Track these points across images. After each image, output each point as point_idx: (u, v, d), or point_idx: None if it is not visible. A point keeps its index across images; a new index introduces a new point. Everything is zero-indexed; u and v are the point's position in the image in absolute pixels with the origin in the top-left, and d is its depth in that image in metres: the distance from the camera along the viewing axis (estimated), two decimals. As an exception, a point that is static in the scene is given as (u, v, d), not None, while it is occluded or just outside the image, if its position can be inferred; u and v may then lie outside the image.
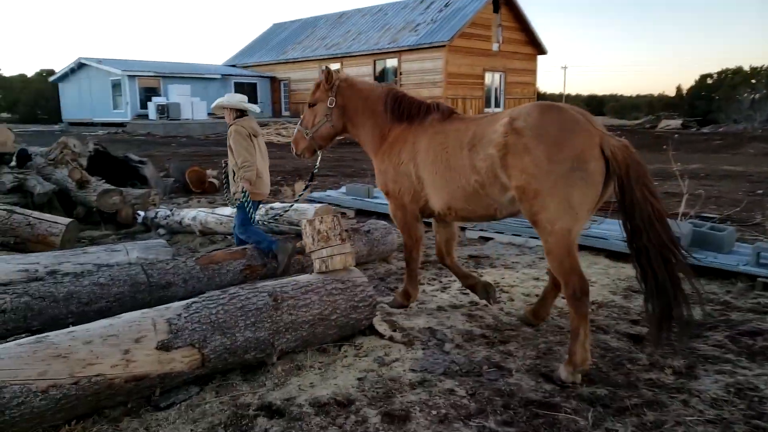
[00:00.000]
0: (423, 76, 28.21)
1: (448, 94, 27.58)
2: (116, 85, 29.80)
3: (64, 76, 33.01)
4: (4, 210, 5.33)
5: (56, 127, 33.79)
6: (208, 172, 10.30)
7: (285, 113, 34.48)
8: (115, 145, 21.06)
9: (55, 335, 2.68)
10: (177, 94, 29.13)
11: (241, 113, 4.86)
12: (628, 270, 5.35)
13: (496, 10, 29.26)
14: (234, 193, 4.73)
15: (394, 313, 4.21)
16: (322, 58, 32.43)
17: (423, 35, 28.46)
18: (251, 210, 4.65)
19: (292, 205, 5.05)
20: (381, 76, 30.24)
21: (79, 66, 31.65)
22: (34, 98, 44.34)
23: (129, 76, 29.02)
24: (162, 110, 27.93)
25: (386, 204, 5.19)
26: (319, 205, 4.97)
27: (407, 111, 3.89)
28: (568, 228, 3.07)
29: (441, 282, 5.03)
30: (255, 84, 34.47)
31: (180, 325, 2.95)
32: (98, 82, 30.48)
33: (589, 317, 3.27)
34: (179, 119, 27.97)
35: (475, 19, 28.02)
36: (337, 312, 3.52)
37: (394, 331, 3.86)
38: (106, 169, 8.73)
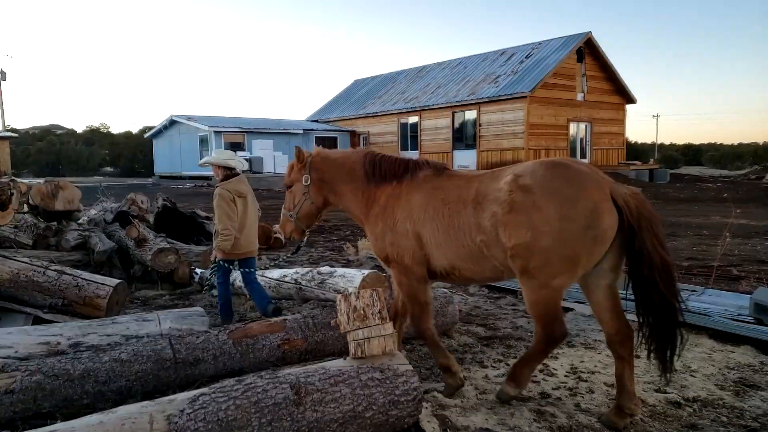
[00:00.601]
0: (503, 128, 27.71)
1: (531, 145, 26.84)
2: (203, 140, 31.60)
3: (158, 133, 35.57)
4: (54, 271, 5.31)
5: (150, 180, 36.24)
6: (275, 227, 10.23)
7: (364, 166, 34.93)
8: (197, 199, 22.06)
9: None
10: (260, 148, 30.42)
11: (231, 172, 5.01)
12: (739, 355, 4.43)
13: (580, 59, 28.53)
14: (212, 253, 5.04)
15: (448, 405, 3.59)
16: (401, 111, 32.88)
17: (503, 86, 28.14)
18: (216, 273, 5.02)
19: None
20: (460, 129, 30.07)
21: (171, 123, 34.03)
22: (133, 153, 48.21)
23: (215, 131, 30.72)
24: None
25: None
26: (367, 271, 4.53)
27: (391, 170, 3.73)
28: (564, 284, 3.09)
29: (508, 365, 4.35)
30: (335, 138, 35.42)
31: (181, 424, 2.53)
32: (187, 138, 32.50)
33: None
34: (261, 173, 29.02)
35: (558, 69, 27.41)
36: (374, 408, 2.97)
37: (446, 431, 3.25)
38: (174, 225, 8.84)
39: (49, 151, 66.84)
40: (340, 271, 4.60)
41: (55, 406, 3.27)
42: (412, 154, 32.23)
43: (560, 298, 3.15)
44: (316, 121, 38.40)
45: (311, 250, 9.70)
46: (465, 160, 29.56)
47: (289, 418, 2.73)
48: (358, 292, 3.12)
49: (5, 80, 46.83)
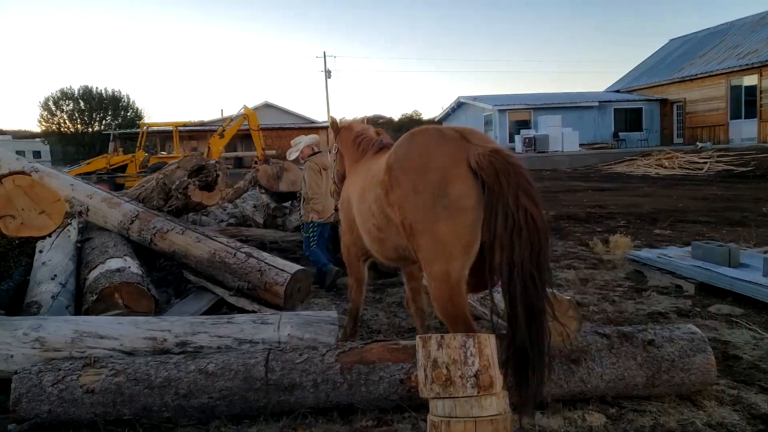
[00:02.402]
0: None
1: None
2: (488, 121, 31.42)
3: (446, 116, 36.83)
4: (243, 253, 5.32)
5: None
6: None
7: (677, 140, 30.07)
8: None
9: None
10: (547, 125, 28.75)
11: (316, 149, 6.08)
12: None
13: None
14: (302, 217, 6.03)
15: None
16: (731, 71, 27.02)
17: None
18: (314, 234, 5.86)
19: None
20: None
21: (459, 105, 34.81)
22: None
23: (500, 110, 30.17)
24: (528, 143, 27.97)
25: (752, 282, 4.80)
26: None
27: (363, 148, 3.86)
28: (444, 270, 2.66)
29: None
30: (640, 109, 31.27)
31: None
32: (473, 119, 32.75)
33: None
34: (546, 152, 27.42)
35: None
36: None
37: None
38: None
39: (365, 138, 76.63)
40: None
41: (134, 414, 2.96)
42: (747, 124, 26.19)
43: (453, 293, 2.65)
44: (617, 91, 34.47)
45: (557, 242, 8.18)
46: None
47: None
48: (442, 338, 1.92)
49: (330, 78, 55.13)
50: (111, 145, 22.43)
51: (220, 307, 5.17)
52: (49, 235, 3.64)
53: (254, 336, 3.44)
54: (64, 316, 3.41)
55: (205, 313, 4.97)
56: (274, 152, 35.56)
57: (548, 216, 10.26)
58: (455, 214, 2.58)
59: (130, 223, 5.82)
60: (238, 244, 5.54)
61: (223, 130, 21.60)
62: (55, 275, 4.75)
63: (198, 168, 5.75)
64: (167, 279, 5.82)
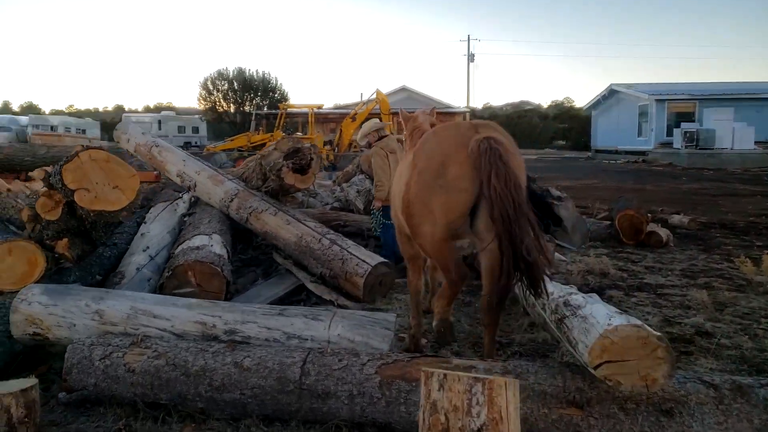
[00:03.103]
0: None
1: None
2: (643, 112, 28.77)
3: (597, 104, 34.39)
4: (328, 240, 5.19)
5: (587, 154, 35.75)
6: (653, 216, 7.99)
7: None
8: (622, 176, 20.21)
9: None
10: (714, 119, 25.65)
11: (382, 133, 6.12)
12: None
13: None
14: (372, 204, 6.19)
15: None
16: None
17: None
18: (378, 220, 5.99)
19: None
20: None
21: (610, 93, 32.27)
22: (584, 126, 48.67)
23: (657, 100, 27.47)
24: (690, 138, 25.16)
25: None
26: (622, 321, 2.35)
27: (416, 138, 3.96)
28: (429, 232, 3.22)
29: None
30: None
31: None
32: (626, 109, 30.23)
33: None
34: (712, 148, 24.51)
35: None
36: None
37: None
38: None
39: (507, 125, 74.82)
40: (595, 308, 2.70)
41: (171, 399, 2.92)
42: None
43: (441, 246, 3.24)
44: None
45: (699, 255, 7.09)
46: None
47: None
48: (445, 376, 1.55)
49: (473, 62, 54.15)
50: (252, 124, 23.91)
51: (300, 292, 5.12)
52: (123, 210, 3.74)
53: (303, 332, 3.26)
54: (125, 291, 3.49)
55: (283, 297, 4.96)
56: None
57: (694, 222, 9.02)
58: (448, 191, 3.08)
59: (230, 201, 5.97)
60: (325, 229, 5.43)
61: (355, 114, 22.03)
62: (148, 247, 4.99)
63: (294, 150, 5.72)
64: (258, 258, 5.91)
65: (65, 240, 4.00)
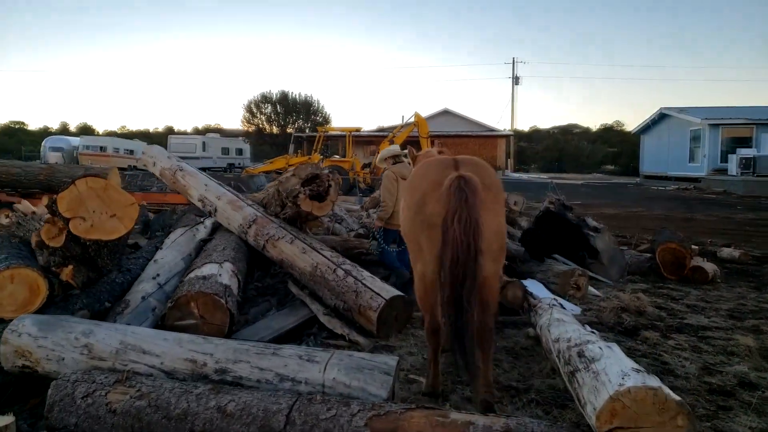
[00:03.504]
0: None
1: None
2: (696, 137, 27.74)
3: (646, 128, 33.43)
4: (343, 270, 5.02)
5: (635, 180, 34.69)
6: (700, 248, 7.51)
7: None
8: (671, 204, 19.42)
9: None
10: (773, 143, 24.52)
11: (397, 159, 6.37)
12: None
13: None
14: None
15: None
16: None
17: None
18: (380, 239, 6.16)
19: None
20: None
21: (660, 117, 31.33)
22: (633, 151, 47.52)
23: (711, 125, 26.46)
24: (746, 164, 24.09)
25: None
26: (636, 383, 2.01)
27: None
28: (421, 272, 3.39)
29: None
30: None
31: None
32: (677, 133, 29.25)
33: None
34: (769, 175, 23.37)
35: None
36: None
37: None
38: (557, 233, 7.56)
39: (553, 148, 74.08)
40: (610, 362, 2.41)
41: (151, 444, 2.78)
42: None
43: (427, 289, 3.34)
44: None
45: (749, 293, 6.58)
46: None
47: None
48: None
49: (518, 84, 53.72)
50: (291, 147, 24.16)
51: (312, 325, 4.95)
52: (119, 240, 3.67)
53: (297, 374, 3.08)
54: (117, 324, 3.38)
55: (293, 330, 4.79)
56: (449, 160, 35.66)
57: (746, 256, 8.46)
58: (428, 228, 3.20)
59: (248, 227, 5.89)
60: (341, 259, 5.27)
61: (393, 136, 21.98)
62: (158, 274, 4.92)
63: (312, 177, 5.61)
64: (275, 287, 5.78)
65: (70, 267, 3.95)
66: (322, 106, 48.00)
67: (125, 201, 3.58)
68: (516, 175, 40.31)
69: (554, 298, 5.07)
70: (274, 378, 3.09)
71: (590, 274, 7.13)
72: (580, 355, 2.68)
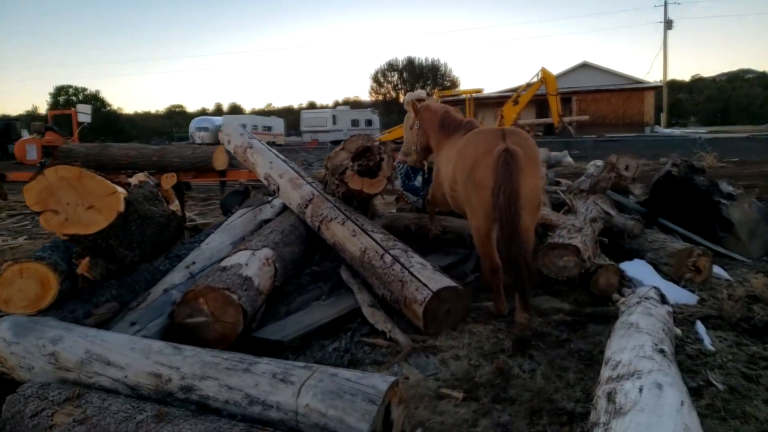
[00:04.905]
0: None
1: None
2: None
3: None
4: (391, 256, 4.37)
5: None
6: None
7: None
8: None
9: None
10: None
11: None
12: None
13: None
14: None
15: None
16: None
17: None
18: (402, 173, 7.39)
19: None
20: None
21: None
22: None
23: None
24: None
25: None
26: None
27: (452, 127, 4.97)
28: (476, 226, 4.19)
29: None
30: None
31: None
32: None
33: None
34: None
35: None
36: None
37: None
38: (681, 202, 6.27)
39: (717, 98, 65.93)
40: (641, 420, 1.53)
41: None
42: None
43: (483, 240, 4.17)
44: None
45: None
46: None
47: None
48: None
49: (671, 29, 47.83)
50: (409, 114, 23.57)
51: (356, 317, 4.40)
52: (101, 233, 3.36)
53: (269, 396, 2.55)
54: (89, 330, 3.06)
55: (333, 322, 4.28)
56: (587, 118, 32.83)
57: None
58: (478, 189, 3.97)
59: (305, 207, 5.47)
60: (392, 243, 4.63)
61: (518, 96, 20.52)
62: (194, 262, 4.65)
63: (364, 149, 4.99)
64: (331, 272, 5.30)
65: (86, 259, 3.77)
66: (450, 70, 46.61)
67: (104, 190, 3.26)
68: (667, 131, 36.11)
69: (654, 287, 4.06)
70: (243, 399, 2.59)
71: (722, 251, 5.80)
72: (610, 398, 1.85)
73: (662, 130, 36.84)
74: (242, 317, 3.68)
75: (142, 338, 2.99)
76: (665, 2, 42.51)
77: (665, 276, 5.08)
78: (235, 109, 78.84)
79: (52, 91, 59.06)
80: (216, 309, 3.64)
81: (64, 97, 55.32)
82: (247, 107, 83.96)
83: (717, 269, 5.25)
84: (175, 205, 5.89)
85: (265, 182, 6.35)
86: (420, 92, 7.51)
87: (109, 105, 62.44)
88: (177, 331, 3.66)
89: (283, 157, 6.58)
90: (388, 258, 4.45)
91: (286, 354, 3.80)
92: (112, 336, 2.96)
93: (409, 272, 4.23)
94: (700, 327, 4.07)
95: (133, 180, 6.40)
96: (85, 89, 59.38)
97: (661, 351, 2.41)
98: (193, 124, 41.06)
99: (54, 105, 52.70)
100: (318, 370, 2.62)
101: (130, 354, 2.81)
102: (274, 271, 4.45)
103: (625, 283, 4.67)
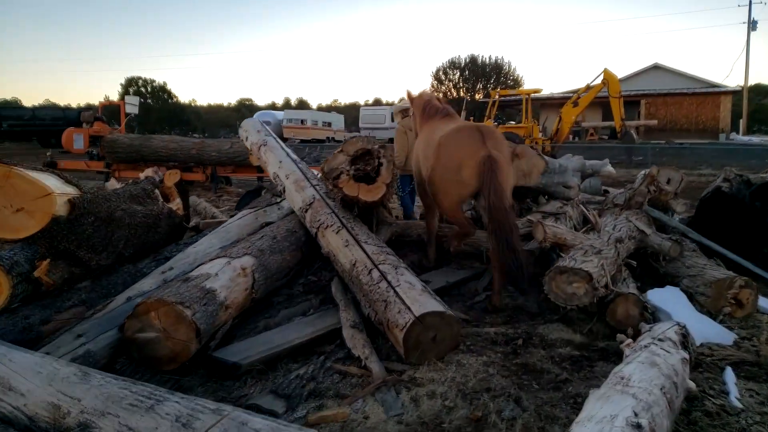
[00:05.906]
0: None
1: None
2: None
3: None
4: (379, 273, 3.91)
5: None
6: None
7: None
8: None
9: None
10: None
11: (407, 113, 6.85)
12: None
13: None
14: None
15: None
16: None
17: None
18: (398, 183, 6.33)
19: None
20: None
21: None
22: None
23: None
24: None
25: None
26: None
27: (429, 112, 5.67)
28: (446, 205, 4.88)
29: None
30: None
31: None
32: None
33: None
34: None
35: None
36: None
37: None
38: (729, 221, 5.52)
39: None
40: None
41: None
42: None
43: (454, 209, 4.87)
44: None
45: None
46: None
47: None
48: None
49: (755, 30, 44.50)
50: (463, 114, 22.86)
51: (335, 338, 3.99)
52: (30, 238, 3.09)
53: (173, 440, 2.18)
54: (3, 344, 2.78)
55: (311, 342, 3.89)
56: (655, 122, 30.99)
57: None
58: (460, 186, 4.64)
59: (305, 211, 5.11)
60: (383, 257, 4.18)
61: (578, 98, 19.46)
62: (172, 268, 4.37)
63: (363, 153, 4.56)
64: (322, 283, 4.91)
65: (45, 262, 3.54)
66: (514, 69, 45.28)
67: (35, 192, 2.98)
68: (745, 138, 33.56)
69: (678, 324, 3.46)
70: (145, 441, 2.23)
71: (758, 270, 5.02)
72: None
73: (739, 137, 34.26)
74: (196, 336, 3.33)
75: (54, 360, 2.67)
76: (750, 2, 39.50)
77: (701, 308, 4.39)
78: (302, 104, 79.82)
79: (123, 82, 61.60)
80: (168, 325, 3.31)
81: (134, 89, 57.41)
82: (314, 103, 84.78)
83: (765, 302, 4.51)
84: (176, 204, 5.66)
85: (274, 182, 6.04)
86: (405, 104, 7.34)
87: (175, 96, 64.37)
88: (127, 346, 3.36)
89: (294, 156, 6.24)
90: (375, 274, 4.01)
91: (244, 378, 3.44)
92: (21, 356, 2.66)
93: (395, 291, 3.77)
94: (729, 375, 3.42)
95: (141, 175, 6.22)
96: (153, 81, 61.52)
97: (637, 426, 1.87)
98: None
99: (123, 96, 54.96)
100: (228, 416, 2.22)
101: (33, 379, 2.51)
102: (251, 282, 4.09)
103: (647, 315, 4.03)
